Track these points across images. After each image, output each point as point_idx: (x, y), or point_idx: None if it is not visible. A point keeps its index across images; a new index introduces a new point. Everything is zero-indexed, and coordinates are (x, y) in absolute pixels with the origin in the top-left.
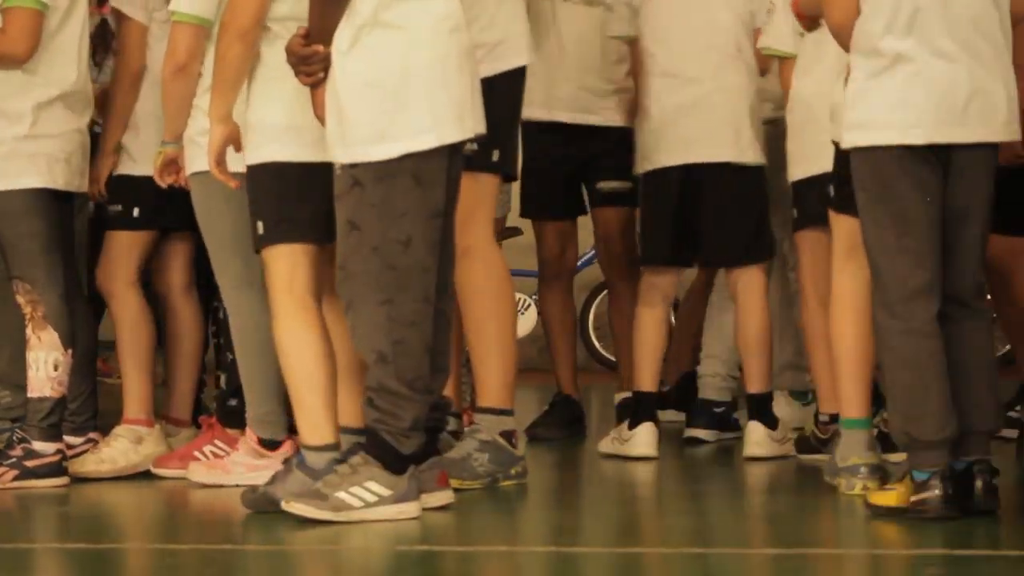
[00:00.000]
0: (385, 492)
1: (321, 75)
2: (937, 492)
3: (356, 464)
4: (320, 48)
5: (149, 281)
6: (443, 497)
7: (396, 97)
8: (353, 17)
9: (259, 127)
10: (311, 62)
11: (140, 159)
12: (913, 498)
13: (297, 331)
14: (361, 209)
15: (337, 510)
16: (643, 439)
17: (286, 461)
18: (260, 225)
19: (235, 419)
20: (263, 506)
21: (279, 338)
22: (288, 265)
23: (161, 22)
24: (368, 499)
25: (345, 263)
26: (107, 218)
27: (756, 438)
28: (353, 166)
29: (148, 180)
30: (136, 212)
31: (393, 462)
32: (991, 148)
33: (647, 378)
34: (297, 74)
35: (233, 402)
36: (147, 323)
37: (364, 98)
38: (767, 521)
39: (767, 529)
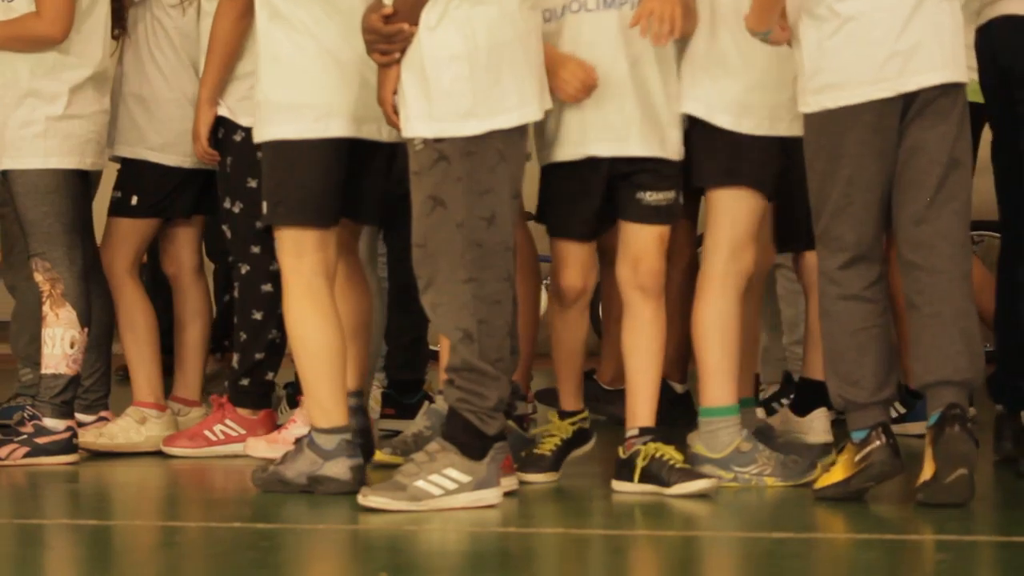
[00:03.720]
0: (465, 479)
1: (398, 55)
2: (878, 443)
3: (433, 451)
4: (406, 26)
5: (158, 262)
6: (507, 483)
7: (486, 72)
8: None
9: (265, 105)
10: (395, 40)
11: (149, 144)
12: (857, 458)
13: (306, 313)
14: (446, 184)
15: (416, 499)
16: (821, 426)
17: (297, 441)
18: (264, 205)
19: (246, 399)
20: (273, 486)
21: (288, 319)
22: (295, 246)
23: (169, 6)
24: (448, 487)
25: (425, 241)
26: (110, 201)
27: (826, 425)
28: (439, 141)
29: (152, 167)
30: (135, 200)
31: (473, 445)
32: (942, 89)
33: (818, 365)
34: (371, 52)
35: (245, 382)
36: (146, 308)
37: (453, 73)
38: (776, 506)
39: (775, 513)
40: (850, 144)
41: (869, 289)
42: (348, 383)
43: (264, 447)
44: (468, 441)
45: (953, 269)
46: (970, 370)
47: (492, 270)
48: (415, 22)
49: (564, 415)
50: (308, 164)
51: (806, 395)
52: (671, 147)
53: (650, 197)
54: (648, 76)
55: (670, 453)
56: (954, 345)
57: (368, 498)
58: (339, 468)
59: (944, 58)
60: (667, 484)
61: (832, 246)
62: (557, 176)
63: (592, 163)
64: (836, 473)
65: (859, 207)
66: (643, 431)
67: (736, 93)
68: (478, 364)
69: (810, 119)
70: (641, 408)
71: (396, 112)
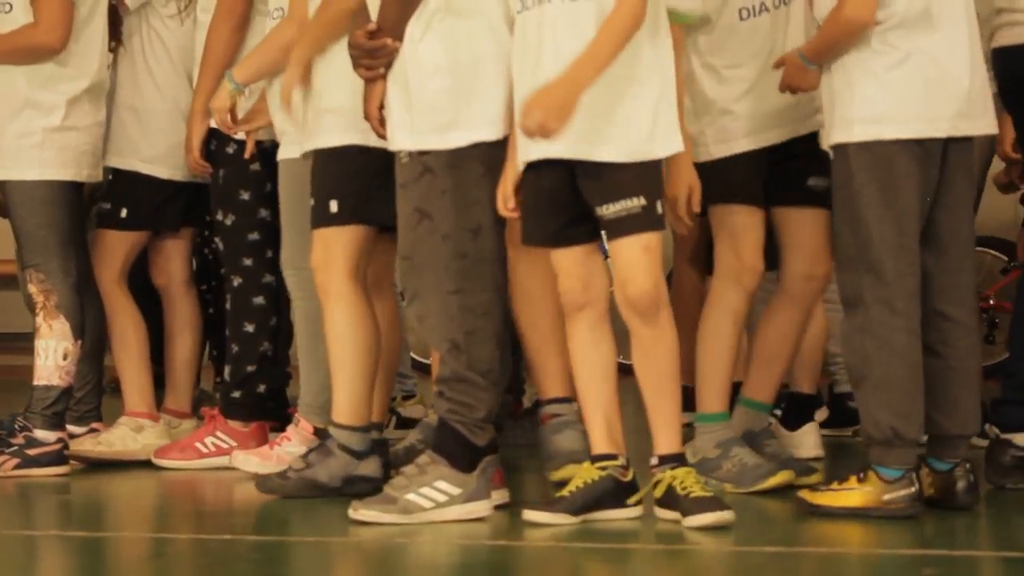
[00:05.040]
0: (455, 491)
1: (382, 71)
2: (913, 490)
3: (424, 464)
4: (389, 41)
5: (147, 274)
6: (497, 496)
7: (469, 84)
8: (425, 4)
9: (342, 111)
10: (378, 55)
11: (141, 156)
12: (885, 496)
13: (357, 313)
14: (432, 196)
15: (407, 512)
16: (811, 440)
17: (321, 445)
18: (334, 204)
19: (238, 411)
20: (304, 491)
21: (338, 319)
22: (357, 247)
23: (167, 17)
24: (439, 499)
25: (412, 253)
26: (98, 213)
27: (816, 440)
28: (423, 153)
29: (143, 179)
30: (124, 213)
31: (463, 457)
32: (976, 138)
33: (806, 379)
34: (357, 67)
35: (236, 394)
36: (136, 318)
37: (436, 85)
38: (770, 519)
39: (768, 527)
40: (902, 175)
41: (919, 324)
42: (373, 415)
43: (256, 462)
44: (458, 452)
45: (976, 322)
46: (979, 424)
47: (478, 281)
48: (399, 37)
49: (594, 459)
50: (379, 168)
51: (796, 409)
52: (609, 149)
53: (608, 210)
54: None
55: (688, 482)
56: (974, 401)
57: (359, 511)
58: (373, 467)
59: (989, 108)
60: (683, 513)
61: (895, 277)
62: (523, 184)
63: (537, 169)
64: (852, 498)
65: (911, 239)
66: (663, 459)
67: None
68: (467, 375)
69: (856, 148)
70: (661, 434)
71: (383, 125)
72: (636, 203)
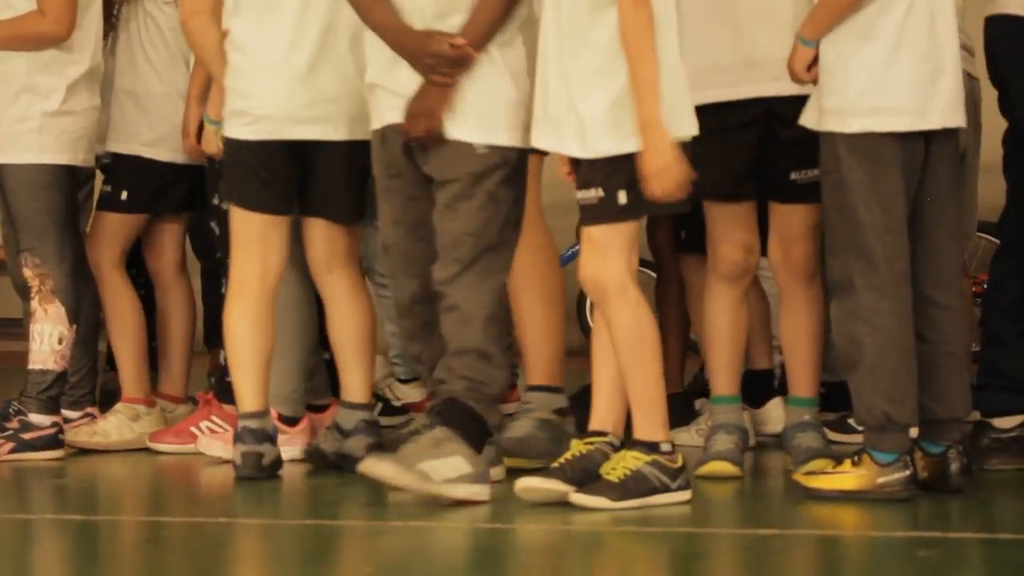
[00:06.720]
0: (468, 470)
1: (458, 79)
2: (907, 473)
3: (439, 438)
4: (473, 52)
5: (141, 259)
6: (495, 472)
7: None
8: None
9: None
10: (458, 65)
11: (142, 140)
12: (880, 480)
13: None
14: (503, 187)
15: (424, 479)
16: (779, 414)
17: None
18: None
19: (232, 395)
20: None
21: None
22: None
23: (163, 3)
24: (449, 475)
25: (481, 232)
26: (99, 196)
27: (782, 414)
28: (503, 148)
29: (144, 162)
30: (124, 195)
31: (475, 435)
32: (957, 129)
33: (762, 356)
34: (431, 75)
35: (231, 378)
36: (133, 302)
37: (521, 87)
38: (764, 502)
39: (762, 510)
40: (887, 161)
41: (911, 308)
42: (360, 396)
43: (220, 447)
44: (472, 431)
45: (963, 306)
46: (970, 407)
47: (508, 268)
48: (481, 47)
49: (589, 432)
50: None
51: (756, 386)
52: (570, 144)
53: (577, 195)
54: (551, 71)
55: (616, 465)
56: (964, 384)
57: (372, 468)
58: (357, 445)
59: (962, 101)
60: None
61: (883, 262)
62: None
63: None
64: (847, 481)
65: (899, 223)
66: (631, 443)
67: None
68: (493, 351)
69: (845, 137)
70: (633, 418)
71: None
72: (593, 194)
